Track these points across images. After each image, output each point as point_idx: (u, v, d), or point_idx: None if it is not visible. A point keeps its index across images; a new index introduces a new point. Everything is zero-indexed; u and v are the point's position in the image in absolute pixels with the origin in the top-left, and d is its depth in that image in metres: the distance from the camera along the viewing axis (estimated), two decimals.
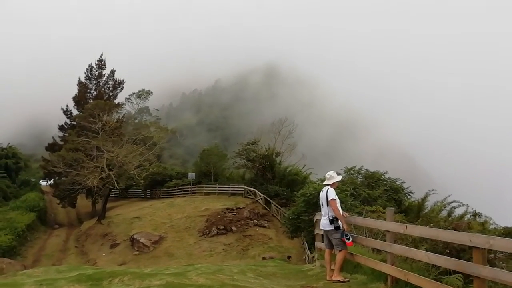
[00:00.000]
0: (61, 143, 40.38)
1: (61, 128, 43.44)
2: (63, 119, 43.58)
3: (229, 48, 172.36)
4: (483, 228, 8.52)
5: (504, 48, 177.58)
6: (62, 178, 36.64)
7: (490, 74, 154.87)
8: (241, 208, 29.83)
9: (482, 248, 4.44)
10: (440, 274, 5.87)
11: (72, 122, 41.75)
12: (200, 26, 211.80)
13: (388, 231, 6.58)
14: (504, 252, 6.01)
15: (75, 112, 42.05)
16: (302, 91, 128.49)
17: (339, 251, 7.32)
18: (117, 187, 33.95)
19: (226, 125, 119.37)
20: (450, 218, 15.70)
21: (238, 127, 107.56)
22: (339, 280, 7.12)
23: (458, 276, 5.19)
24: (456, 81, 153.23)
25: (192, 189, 39.54)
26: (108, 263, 23.32)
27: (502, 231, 8.89)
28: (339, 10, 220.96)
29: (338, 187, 14.43)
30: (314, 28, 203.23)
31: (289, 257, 20.21)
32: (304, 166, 33.93)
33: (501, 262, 6.15)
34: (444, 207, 18.66)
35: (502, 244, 4.37)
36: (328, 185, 7.62)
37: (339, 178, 7.81)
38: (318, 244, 9.65)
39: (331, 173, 7.79)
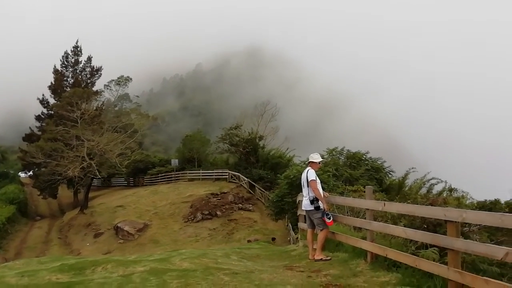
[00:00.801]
0: (39, 133, 39.46)
1: (38, 118, 42.37)
2: (40, 109, 42.54)
3: (209, 31, 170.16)
4: (459, 202, 8.77)
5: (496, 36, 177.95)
6: (42, 169, 35.92)
7: (484, 64, 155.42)
8: (226, 192, 29.97)
9: (455, 222, 4.57)
10: (418, 248, 6.03)
11: (50, 112, 40.78)
12: (179, 9, 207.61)
13: (368, 209, 6.72)
14: (478, 224, 6.20)
15: (52, 101, 41.07)
16: (284, 73, 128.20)
17: (320, 230, 7.46)
18: (99, 176, 33.57)
19: (209, 110, 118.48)
20: (430, 195, 16.13)
21: (220, 111, 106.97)
22: (321, 259, 7.27)
23: (434, 249, 5.35)
24: (450, 70, 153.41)
25: (176, 175, 39.39)
26: (93, 252, 23.20)
27: (476, 204, 9.17)
28: None
29: (321, 168, 14.67)
30: (299, 10, 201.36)
31: (273, 239, 20.52)
32: (287, 149, 34.18)
33: (475, 235, 6.36)
34: (424, 184, 19.14)
35: (474, 217, 4.52)
36: (309, 166, 7.75)
37: (318, 159, 7.90)
38: (301, 224, 9.79)
39: (313, 155, 7.90)
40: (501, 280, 4.38)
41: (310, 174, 7.54)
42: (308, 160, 7.95)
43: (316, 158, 7.84)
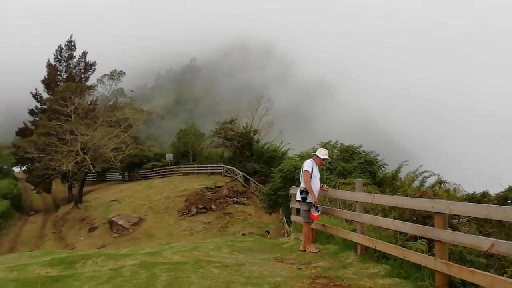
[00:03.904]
0: (32, 128, 39.19)
1: (31, 112, 42.10)
2: (33, 103, 42.19)
3: (204, 26, 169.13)
4: (448, 194, 8.81)
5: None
6: (35, 164, 35.73)
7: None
8: (220, 186, 29.97)
9: (443, 213, 4.58)
10: (407, 240, 6.05)
11: (43, 106, 40.51)
12: (173, 3, 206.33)
13: (357, 201, 6.72)
14: (467, 216, 6.23)
15: (45, 95, 40.79)
16: (277, 66, 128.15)
17: (304, 222, 7.45)
18: (93, 171, 33.42)
19: (203, 104, 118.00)
20: (422, 188, 16.14)
21: (215, 105, 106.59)
22: (310, 251, 7.29)
23: (423, 241, 5.36)
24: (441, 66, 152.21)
25: (171, 169, 39.33)
26: (87, 246, 23.17)
27: (465, 197, 9.22)
28: None
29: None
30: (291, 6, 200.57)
31: (267, 232, 20.55)
32: (281, 143, 34.15)
33: (464, 227, 6.39)
34: (417, 177, 19.09)
35: (461, 208, 4.54)
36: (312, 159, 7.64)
37: (324, 156, 7.63)
38: (293, 217, 9.81)
39: (321, 149, 7.81)
40: (488, 271, 4.41)
41: (305, 164, 7.44)
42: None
43: (323, 154, 7.60)
